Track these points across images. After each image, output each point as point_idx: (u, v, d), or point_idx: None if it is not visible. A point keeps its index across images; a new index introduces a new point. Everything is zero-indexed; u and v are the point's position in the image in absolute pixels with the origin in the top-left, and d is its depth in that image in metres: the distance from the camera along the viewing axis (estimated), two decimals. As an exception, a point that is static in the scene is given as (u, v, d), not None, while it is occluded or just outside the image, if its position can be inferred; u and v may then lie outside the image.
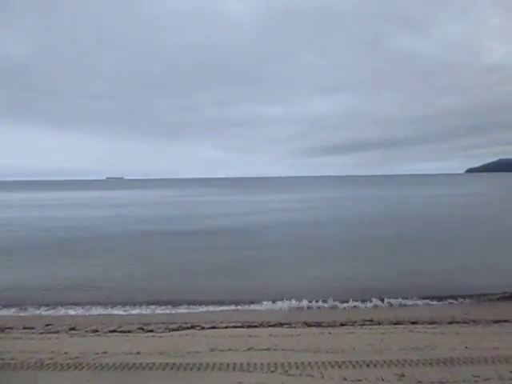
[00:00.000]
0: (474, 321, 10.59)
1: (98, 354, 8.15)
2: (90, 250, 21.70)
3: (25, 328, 10.41)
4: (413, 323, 10.45)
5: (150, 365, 7.47)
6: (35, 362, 7.69)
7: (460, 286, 13.93)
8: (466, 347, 8.26)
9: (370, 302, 12.58)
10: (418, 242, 22.73)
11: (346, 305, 12.39)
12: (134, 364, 7.51)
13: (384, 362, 7.45)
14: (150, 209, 50.89)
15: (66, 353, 8.21)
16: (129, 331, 10.07)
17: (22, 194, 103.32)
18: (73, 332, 10.06)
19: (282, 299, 12.52)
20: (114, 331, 10.10)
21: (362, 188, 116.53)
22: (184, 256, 19.76)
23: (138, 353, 8.17)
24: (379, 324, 10.45)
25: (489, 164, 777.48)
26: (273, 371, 7.11)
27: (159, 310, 12.38)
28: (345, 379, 6.75)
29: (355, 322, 10.68)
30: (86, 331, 10.10)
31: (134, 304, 12.71)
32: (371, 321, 10.77)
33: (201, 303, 12.64)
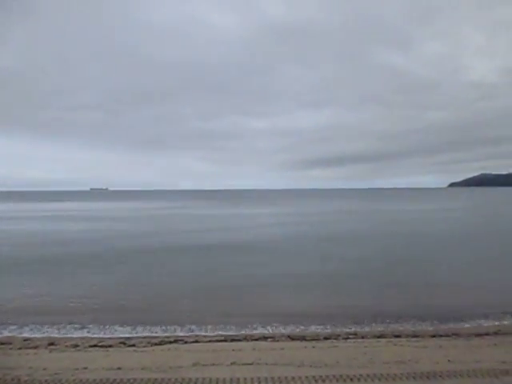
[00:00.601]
0: (456, 334, 10.68)
1: (77, 369, 7.96)
2: (68, 267, 20.56)
3: (1, 344, 10.09)
4: (396, 336, 10.50)
5: (132, 380, 7.33)
6: (12, 379, 7.46)
7: (442, 303, 13.99)
8: (449, 360, 8.32)
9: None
10: (404, 259, 22.42)
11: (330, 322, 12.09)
12: (115, 380, 7.36)
13: (368, 375, 7.45)
14: (130, 223, 48.07)
15: (44, 369, 8.00)
16: (110, 346, 9.87)
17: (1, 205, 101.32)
18: (52, 347, 9.80)
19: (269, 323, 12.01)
20: (94, 346, 9.89)
21: (347, 201, 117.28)
22: (167, 276, 18.56)
23: (119, 368, 8.01)
24: (363, 338, 10.46)
25: (471, 178, 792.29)
26: (256, 386, 7.04)
27: (141, 327, 11.71)
28: (328, 394, 6.72)
29: (339, 335, 10.68)
30: (66, 346, 9.87)
31: (114, 324, 12.00)
32: (355, 334, 10.79)
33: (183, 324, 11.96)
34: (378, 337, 10.52)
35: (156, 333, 11.21)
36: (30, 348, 9.73)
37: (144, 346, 9.77)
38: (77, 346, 9.91)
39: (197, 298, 14.97)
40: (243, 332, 11.18)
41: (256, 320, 12.19)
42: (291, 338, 10.51)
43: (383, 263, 21.25)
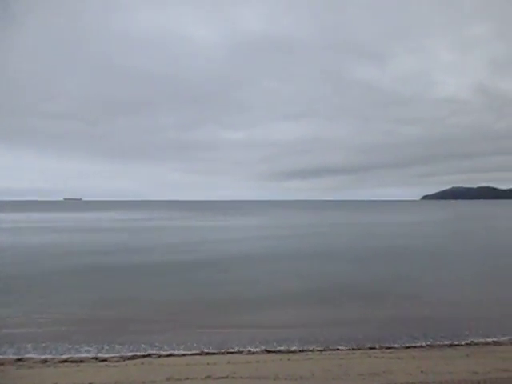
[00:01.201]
0: (429, 345, 10.85)
1: (46, 386, 7.70)
2: (33, 285, 19.11)
3: (-35, 360, 9.65)
4: (371, 348, 10.58)
5: (102, 397, 7.13)
6: (-25, 398, 7.16)
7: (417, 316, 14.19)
8: (422, 371, 8.44)
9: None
10: (380, 273, 22.57)
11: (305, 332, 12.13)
12: (85, 396, 7.15)
13: (342, 387, 7.47)
14: (100, 235, 45.52)
15: (10, 386, 7.71)
16: (81, 361, 9.61)
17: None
18: (19, 363, 9.44)
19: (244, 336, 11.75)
20: (64, 361, 9.60)
21: (323, 213, 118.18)
22: (142, 294, 17.44)
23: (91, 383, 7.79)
24: (338, 350, 10.50)
25: (443, 191, 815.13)
26: (231, 400, 6.96)
27: (114, 343, 11.15)
28: (303, 407, 6.70)
29: (314, 348, 10.68)
30: (34, 362, 9.53)
31: (86, 340, 11.36)
32: (330, 347, 10.80)
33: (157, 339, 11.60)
34: (353, 349, 10.58)
35: (129, 347, 10.90)
36: (-4, 364, 9.36)
37: (116, 361, 9.55)
38: (46, 361, 9.59)
39: (171, 312, 14.69)
40: (218, 345, 11.03)
41: (231, 333, 12.05)
42: (266, 350, 10.46)
43: (358, 278, 21.35)
